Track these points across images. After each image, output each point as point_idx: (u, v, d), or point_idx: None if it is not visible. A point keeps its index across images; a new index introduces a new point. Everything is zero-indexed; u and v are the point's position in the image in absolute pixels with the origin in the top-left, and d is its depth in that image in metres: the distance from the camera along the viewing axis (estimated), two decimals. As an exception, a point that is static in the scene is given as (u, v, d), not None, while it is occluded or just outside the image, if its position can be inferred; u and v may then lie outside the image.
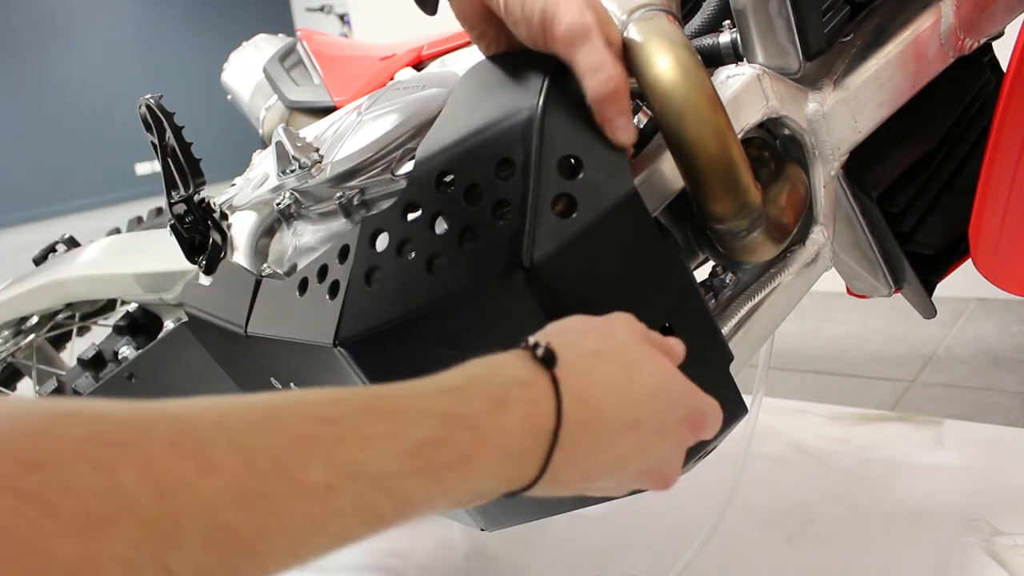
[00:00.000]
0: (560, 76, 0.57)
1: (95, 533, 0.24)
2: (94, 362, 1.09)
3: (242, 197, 0.87)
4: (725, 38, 0.66)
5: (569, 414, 0.39)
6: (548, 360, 0.40)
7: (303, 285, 0.64)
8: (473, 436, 0.35)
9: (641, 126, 0.64)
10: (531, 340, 0.41)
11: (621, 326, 0.46)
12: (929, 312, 0.85)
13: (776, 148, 0.69)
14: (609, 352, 0.43)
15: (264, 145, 1.08)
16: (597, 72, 0.54)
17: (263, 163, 0.90)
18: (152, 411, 0.29)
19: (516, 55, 0.61)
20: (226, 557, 0.27)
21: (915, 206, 0.77)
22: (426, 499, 0.34)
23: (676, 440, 0.45)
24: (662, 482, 0.46)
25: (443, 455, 0.34)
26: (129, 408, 0.28)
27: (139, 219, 1.48)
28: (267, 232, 0.85)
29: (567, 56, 0.55)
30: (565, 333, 0.44)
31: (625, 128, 0.55)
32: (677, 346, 0.50)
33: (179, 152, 0.80)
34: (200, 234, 0.82)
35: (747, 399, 0.65)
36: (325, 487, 0.30)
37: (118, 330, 1.11)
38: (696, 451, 0.62)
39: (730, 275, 0.70)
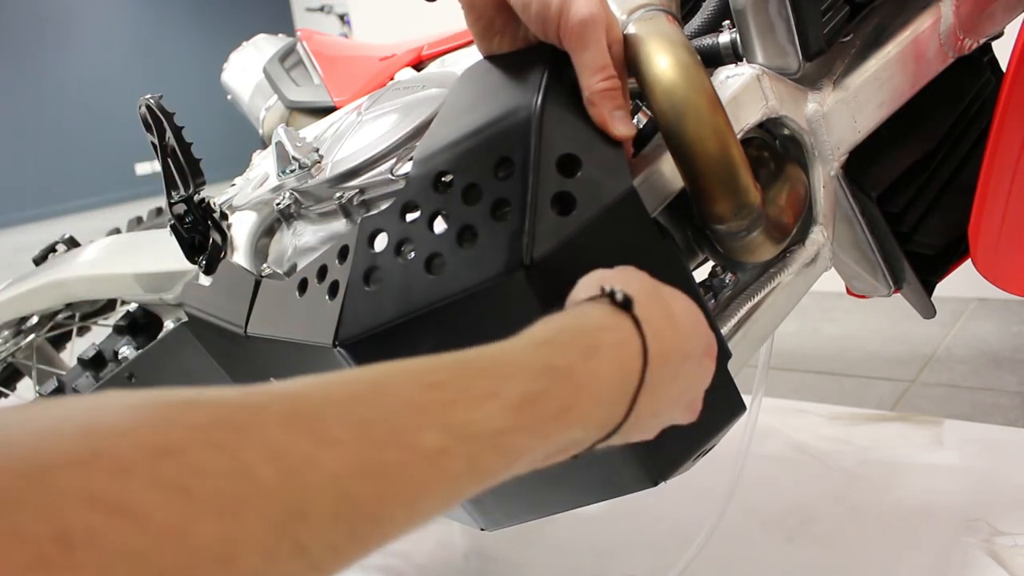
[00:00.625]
0: (557, 75, 0.57)
1: (231, 514, 0.25)
2: (94, 362, 1.09)
3: (242, 197, 0.87)
4: (725, 38, 0.66)
5: (652, 349, 0.41)
6: (627, 304, 0.41)
7: (303, 285, 0.64)
8: (571, 385, 0.36)
9: (641, 126, 0.64)
10: (606, 286, 0.42)
11: (639, 272, 0.49)
12: (929, 312, 0.85)
13: (776, 148, 0.69)
14: (648, 293, 0.45)
15: (264, 145, 1.08)
16: (599, 70, 0.55)
17: (263, 163, 0.90)
18: (262, 394, 0.29)
19: (514, 55, 0.61)
20: (353, 528, 0.28)
21: (915, 206, 0.77)
22: (530, 451, 0.35)
23: (705, 370, 0.49)
24: (694, 413, 0.50)
25: (546, 406, 0.35)
26: (240, 392, 0.29)
27: (139, 219, 1.48)
28: (267, 232, 0.85)
29: (574, 48, 0.55)
30: (614, 277, 0.45)
31: (623, 121, 0.56)
32: None
33: (179, 152, 0.80)
34: (200, 234, 0.82)
35: (747, 399, 0.65)
36: (439, 451, 0.31)
37: (118, 330, 1.11)
38: (694, 450, 0.63)
39: (730, 275, 0.70)
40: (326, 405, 0.29)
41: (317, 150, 0.77)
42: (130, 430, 0.25)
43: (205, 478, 0.25)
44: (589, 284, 0.47)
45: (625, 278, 0.46)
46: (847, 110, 0.68)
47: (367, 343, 0.57)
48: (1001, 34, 0.77)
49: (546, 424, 0.35)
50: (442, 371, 0.34)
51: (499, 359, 0.36)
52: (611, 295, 0.42)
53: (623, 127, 0.56)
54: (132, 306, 1.13)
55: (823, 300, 2.00)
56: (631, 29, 0.59)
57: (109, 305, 1.32)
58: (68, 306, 1.29)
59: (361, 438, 0.29)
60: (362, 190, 0.70)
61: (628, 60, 0.58)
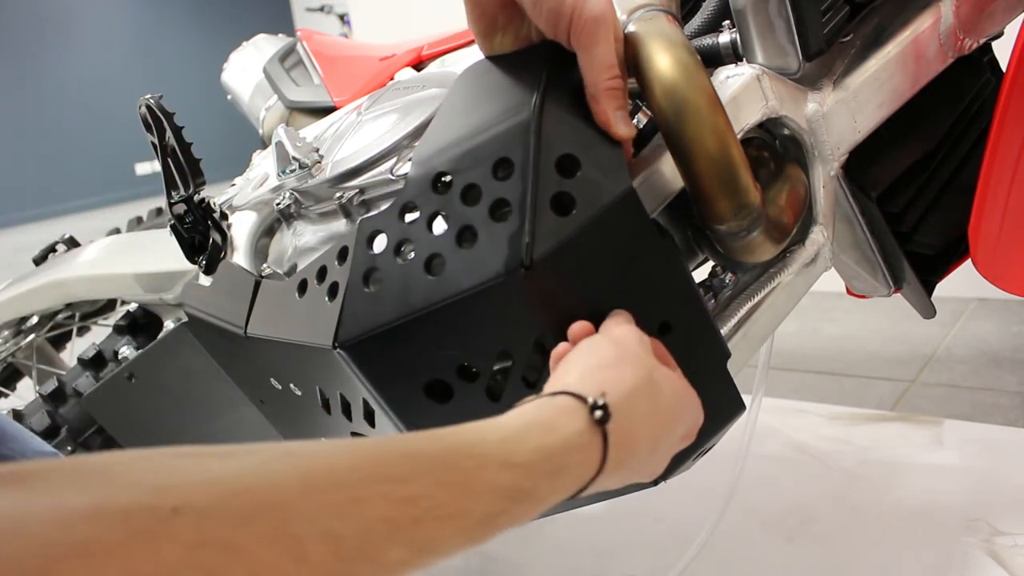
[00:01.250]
0: (557, 76, 0.57)
1: None
2: (94, 362, 1.09)
3: (242, 197, 0.87)
4: (725, 38, 0.66)
5: (610, 461, 0.43)
6: (604, 420, 0.43)
7: (302, 286, 0.64)
8: (532, 503, 0.39)
9: (641, 126, 0.64)
10: (590, 398, 0.43)
11: (639, 349, 0.49)
12: (929, 312, 0.85)
13: (776, 148, 0.69)
14: (643, 383, 0.46)
15: (264, 145, 1.08)
16: (607, 68, 0.55)
17: (263, 163, 0.90)
18: (248, 496, 0.31)
19: (513, 55, 0.61)
20: None
21: (915, 206, 0.77)
22: (473, 548, 0.38)
23: (673, 451, 0.51)
24: (649, 479, 0.51)
25: (501, 523, 0.38)
26: (225, 496, 0.31)
27: (139, 219, 1.47)
28: (267, 232, 0.85)
29: (584, 45, 0.56)
30: (609, 370, 0.46)
31: (625, 121, 0.56)
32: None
33: (179, 152, 0.80)
34: (200, 234, 0.82)
35: (747, 399, 0.65)
36: (400, 562, 0.34)
37: (118, 330, 1.11)
38: (695, 450, 0.62)
39: (730, 275, 0.70)
40: (309, 521, 0.32)
41: (317, 150, 0.77)
42: (124, 551, 0.27)
43: None
44: (589, 358, 0.47)
45: (619, 371, 0.46)
46: (847, 110, 0.68)
47: (367, 344, 0.57)
48: (1001, 34, 0.77)
49: (496, 532, 0.38)
50: (417, 481, 0.36)
51: (473, 474, 0.37)
52: (592, 407, 0.43)
53: (624, 127, 0.56)
54: (132, 306, 1.12)
55: (823, 300, 2.00)
56: (631, 29, 0.59)
57: (109, 305, 1.32)
58: (68, 306, 1.29)
59: (333, 555, 0.32)
60: (362, 190, 0.70)
61: (628, 60, 0.58)
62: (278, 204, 0.79)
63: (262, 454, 0.34)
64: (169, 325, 1.04)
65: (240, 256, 0.81)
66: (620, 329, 0.51)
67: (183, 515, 0.29)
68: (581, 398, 0.43)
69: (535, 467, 0.39)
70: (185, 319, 0.82)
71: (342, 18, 6.08)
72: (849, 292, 0.86)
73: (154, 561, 0.27)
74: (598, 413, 0.43)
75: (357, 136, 0.75)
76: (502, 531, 0.39)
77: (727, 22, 0.67)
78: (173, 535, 0.28)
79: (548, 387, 0.46)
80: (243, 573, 0.29)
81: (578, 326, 0.52)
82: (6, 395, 1.43)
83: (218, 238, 0.82)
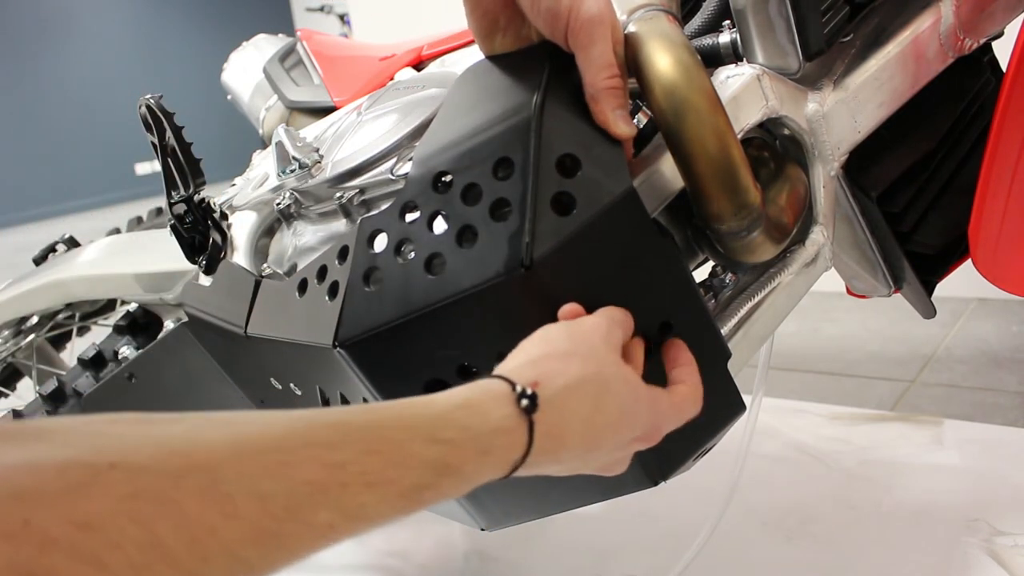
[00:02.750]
0: (557, 75, 0.57)
1: None
2: (94, 362, 1.09)
3: (242, 197, 0.87)
4: (725, 38, 0.66)
5: (536, 448, 0.44)
6: (530, 409, 0.44)
7: (303, 286, 0.64)
8: (457, 480, 0.40)
9: (641, 126, 0.64)
10: (519, 385, 0.44)
11: (600, 344, 0.49)
12: (929, 312, 0.85)
13: (776, 148, 0.69)
14: (587, 381, 0.47)
15: (264, 145, 1.08)
16: (605, 68, 0.55)
17: (263, 163, 0.90)
18: (180, 456, 0.33)
19: (513, 55, 0.61)
20: None
21: (915, 206, 0.77)
22: (401, 519, 0.39)
23: (629, 449, 0.51)
24: (608, 473, 0.52)
25: (428, 495, 0.39)
26: (159, 452, 0.32)
27: (139, 219, 1.48)
28: (267, 232, 0.85)
29: (582, 45, 0.56)
30: (552, 361, 0.47)
31: (624, 120, 0.56)
32: (627, 323, 0.54)
33: (179, 152, 0.80)
34: (200, 234, 0.82)
35: (747, 399, 0.65)
36: (328, 526, 0.35)
37: (118, 330, 1.11)
38: (694, 450, 0.63)
39: (730, 275, 0.70)
40: (237, 480, 0.33)
41: (317, 150, 0.77)
42: (59, 499, 0.29)
43: (121, 551, 0.29)
44: (539, 347, 0.48)
45: (564, 363, 0.47)
46: (847, 110, 0.68)
47: (367, 343, 0.57)
48: (1001, 34, 0.77)
49: (423, 505, 0.39)
50: (346, 448, 0.37)
51: (401, 445, 0.39)
52: (520, 396, 0.44)
53: (624, 126, 0.56)
54: (132, 306, 1.12)
55: (823, 300, 2.00)
56: (632, 29, 0.59)
57: (109, 305, 1.32)
58: (68, 306, 1.29)
59: (262, 512, 0.33)
60: (362, 190, 0.70)
61: (629, 60, 0.58)
62: (278, 204, 0.79)
63: (198, 420, 0.35)
64: (169, 325, 1.04)
65: (240, 256, 0.81)
66: (590, 321, 0.51)
67: (118, 470, 0.30)
68: (512, 384, 0.44)
69: (461, 444, 0.40)
70: (185, 319, 0.82)
71: (342, 18, 6.08)
72: (849, 292, 0.86)
73: (86, 509, 0.29)
74: (524, 402, 0.43)
75: (357, 136, 0.75)
76: (431, 503, 0.40)
77: (727, 22, 0.67)
78: (107, 487, 0.30)
79: (496, 369, 0.47)
80: (171, 523, 0.30)
81: (567, 308, 0.53)
82: (6, 395, 1.43)
83: (218, 238, 0.82)
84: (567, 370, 0.46)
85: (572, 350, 0.48)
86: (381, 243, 0.58)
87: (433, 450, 0.39)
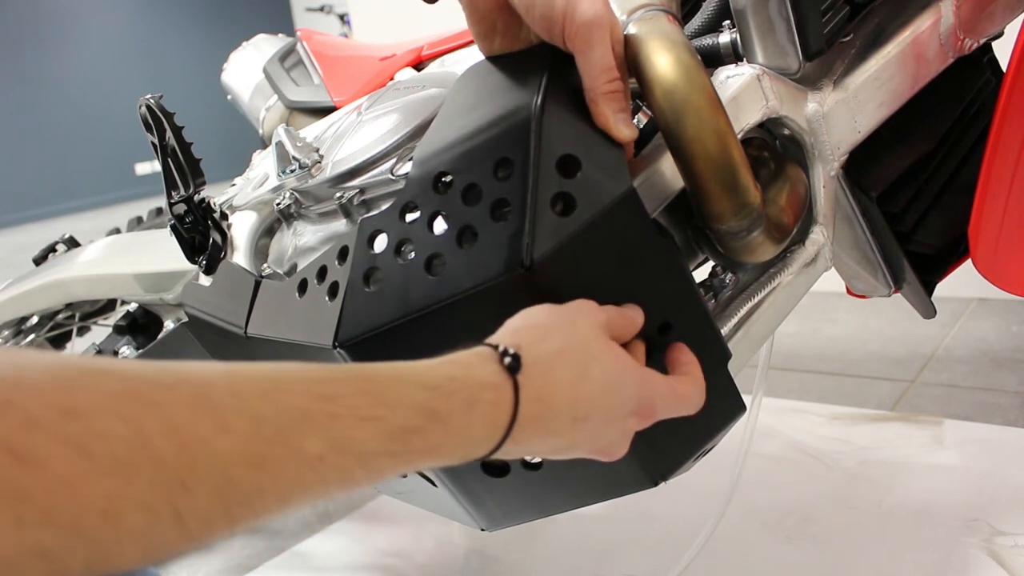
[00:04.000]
0: (557, 76, 0.57)
1: (122, 476, 0.28)
2: (94, 362, 1.09)
3: (242, 197, 0.87)
4: (725, 38, 0.66)
5: (524, 411, 0.44)
6: (514, 367, 0.44)
7: (303, 286, 0.64)
8: (444, 429, 0.40)
9: (641, 126, 0.64)
10: (501, 345, 0.45)
11: (583, 320, 0.50)
12: (929, 312, 0.85)
13: (776, 148, 0.69)
14: (571, 349, 0.47)
15: (264, 145, 1.08)
16: (604, 72, 0.55)
17: (263, 163, 0.90)
18: (173, 374, 0.32)
19: (513, 55, 0.61)
20: (227, 506, 0.32)
21: (915, 206, 0.77)
22: (393, 472, 0.39)
23: (623, 427, 0.50)
24: (608, 457, 0.51)
25: (417, 442, 0.39)
26: (151, 369, 0.32)
27: (139, 219, 1.48)
28: (267, 232, 0.85)
29: (580, 49, 0.55)
30: (534, 330, 0.47)
31: (625, 123, 0.56)
32: (632, 320, 0.54)
33: (179, 152, 0.80)
34: (200, 234, 0.82)
35: (747, 399, 0.65)
36: (317, 457, 0.35)
37: (118, 330, 1.11)
38: (695, 450, 0.63)
39: (730, 275, 0.70)
40: (229, 395, 0.33)
41: (317, 150, 0.77)
42: (44, 389, 0.28)
43: (105, 441, 0.28)
44: (521, 320, 0.49)
45: (545, 332, 0.47)
46: (847, 110, 0.68)
47: (367, 344, 0.57)
48: (1001, 34, 0.77)
49: (413, 455, 0.39)
50: (338, 384, 0.37)
51: (391, 387, 0.39)
52: (503, 354, 0.44)
53: (625, 129, 0.56)
54: (132, 306, 1.12)
55: (823, 300, 2.00)
56: (631, 29, 0.59)
57: (109, 305, 1.32)
58: (68, 306, 1.29)
59: (253, 431, 0.33)
60: (362, 190, 0.70)
61: (629, 60, 0.58)
62: (278, 204, 0.79)
63: (191, 361, 0.35)
64: (169, 325, 1.04)
65: (240, 256, 0.81)
66: (576, 303, 0.51)
67: (108, 375, 0.30)
68: (494, 346, 0.45)
69: (448, 393, 0.41)
70: (185, 319, 0.82)
71: (342, 18, 6.08)
72: (849, 292, 0.86)
73: (72, 399, 0.28)
74: (507, 359, 0.44)
75: (357, 136, 0.75)
76: (424, 454, 0.39)
77: (727, 22, 0.67)
78: (95, 384, 0.29)
79: None
80: (160, 426, 0.30)
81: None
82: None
83: (218, 238, 0.82)
84: (549, 338, 0.47)
85: (555, 323, 0.48)
86: (381, 243, 0.58)
87: (421, 395, 0.40)
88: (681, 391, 0.53)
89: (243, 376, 0.35)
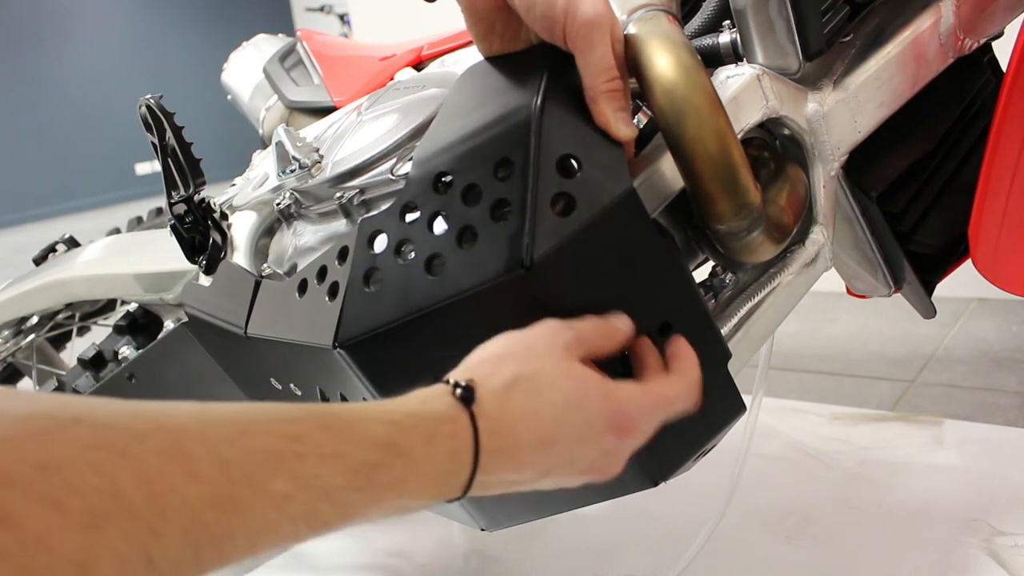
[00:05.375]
0: (557, 76, 0.57)
1: (95, 528, 0.29)
2: (94, 362, 1.09)
3: (242, 197, 0.87)
4: (725, 38, 0.66)
5: (486, 443, 0.44)
6: (466, 398, 0.45)
7: (303, 286, 0.64)
8: (407, 463, 0.41)
9: (641, 126, 0.64)
10: (453, 379, 0.46)
11: (542, 343, 0.49)
12: (929, 312, 0.85)
13: (776, 148, 0.69)
14: (527, 377, 0.47)
15: (264, 145, 1.08)
16: (604, 71, 0.55)
17: (263, 163, 0.90)
18: (146, 420, 0.33)
19: (514, 56, 0.61)
20: (197, 549, 0.33)
21: (915, 206, 0.77)
22: (363, 509, 0.40)
23: (603, 446, 0.49)
24: (602, 476, 0.51)
25: (382, 476, 0.40)
26: (124, 415, 0.33)
27: (139, 219, 1.48)
28: (267, 232, 0.85)
29: (580, 49, 0.55)
30: (488, 362, 0.48)
31: (625, 123, 0.56)
32: (615, 329, 0.53)
33: (179, 152, 0.80)
34: (200, 234, 0.82)
35: (747, 399, 0.65)
36: (283, 496, 0.36)
37: (118, 330, 1.11)
38: (694, 451, 0.63)
39: (730, 275, 0.70)
40: (199, 442, 0.34)
41: (317, 150, 0.77)
42: (19, 443, 0.29)
43: (79, 495, 0.29)
44: (479, 353, 0.49)
45: (500, 362, 0.48)
46: (847, 110, 0.68)
47: (367, 344, 0.57)
48: (1001, 34, 0.76)
49: (379, 490, 0.40)
50: (302, 423, 0.38)
51: (353, 424, 0.40)
52: (454, 387, 0.45)
53: (626, 128, 0.56)
54: (132, 306, 1.12)
55: (823, 300, 2.00)
56: (631, 29, 0.59)
57: (109, 305, 1.32)
58: (68, 306, 1.29)
59: (221, 475, 0.34)
60: (362, 190, 0.70)
61: (629, 60, 0.58)
62: (278, 204, 0.79)
63: (165, 402, 0.36)
64: (169, 325, 1.04)
65: (240, 256, 0.81)
66: (536, 327, 0.51)
67: (82, 425, 0.31)
68: (446, 380, 0.46)
69: (407, 427, 0.42)
70: (185, 319, 0.82)
71: (342, 18, 6.08)
72: (849, 292, 0.86)
73: (47, 453, 0.29)
74: (459, 391, 0.45)
75: (357, 136, 0.75)
76: (390, 491, 0.40)
77: (727, 22, 0.67)
78: (70, 437, 0.30)
79: None
80: (133, 476, 0.31)
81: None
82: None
83: (218, 238, 0.82)
84: (502, 369, 0.47)
85: (508, 352, 0.49)
86: (381, 243, 0.58)
87: (382, 430, 0.41)
88: (665, 394, 0.52)
89: (214, 419, 0.36)
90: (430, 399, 0.44)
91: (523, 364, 0.47)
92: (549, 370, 0.48)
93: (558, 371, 0.48)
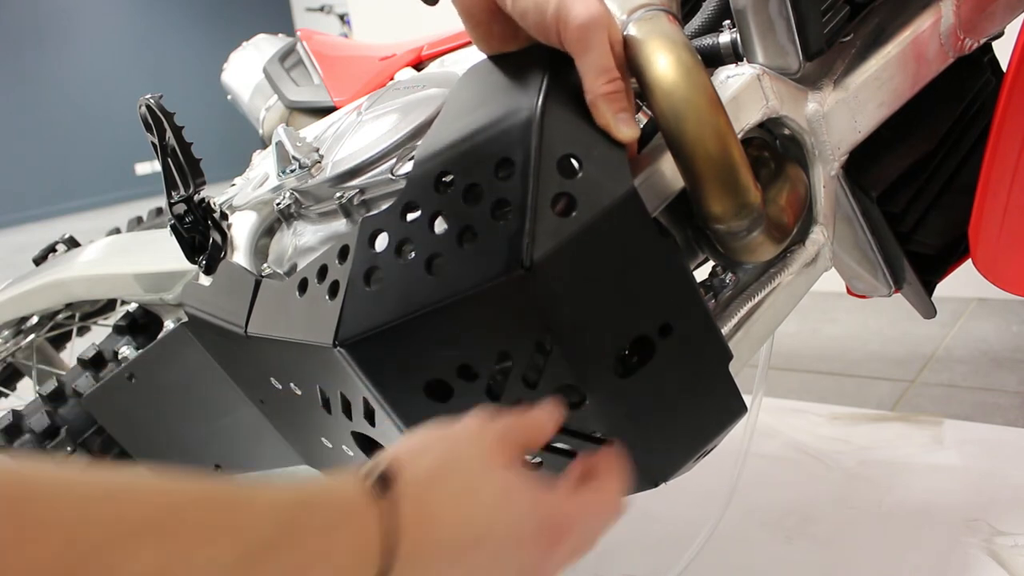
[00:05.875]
0: (558, 75, 0.57)
1: None
2: (94, 362, 1.09)
3: (242, 197, 0.87)
4: (725, 38, 0.66)
5: (404, 540, 0.39)
6: (381, 489, 0.40)
7: (303, 285, 0.64)
8: (301, 553, 0.36)
9: (641, 126, 0.64)
10: (369, 466, 0.42)
11: (467, 440, 0.46)
12: (929, 312, 0.85)
13: (776, 148, 0.69)
14: (452, 471, 0.44)
15: (264, 145, 1.08)
16: (603, 73, 0.54)
17: (263, 163, 0.90)
18: (20, 487, 0.29)
19: (515, 55, 0.61)
20: None
21: (915, 206, 0.77)
22: None
23: (532, 551, 0.45)
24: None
25: (272, 563, 0.35)
26: None
27: (139, 219, 1.48)
28: (267, 232, 0.85)
29: (577, 52, 0.55)
30: (407, 455, 0.44)
31: (627, 124, 0.55)
32: (541, 424, 0.51)
33: (179, 152, 0.80)
34: (200, 234, 0.82)
35: (747, 399, 0.65)
36: (157, 571, 0.31)
37: (118, 330, 1.11)
38: (695, 452, 0.63)
39: (730, 275, 0.70)
40: (47, 503, 0.29)
41: (317, 150, 0.77)
42: None
43: None
44: (398, 446, 0.45)
45: (421, 455, 0.44)
46: (847, 110, 0.68)
47: (367, 343, 0.57)
48: (1001, 34, 0.76)
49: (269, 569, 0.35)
50: (189, 493, 0.34)
51: (252, 500, 0.36)
52: (367, 475, 0.41)
53: (627, 130, 0.55)
54: (132, 306, 1.12)
55: (823, 300, 2.00)
56: (631, 29, 0.59)
57: (109, 305, 1.32)
58: (68, 306, 1.29)
59: (66, 545, 0.29)
60: (362, 190, 0.70)
61: (628, 60, 0.58)
62: (278, 204, 0.79)
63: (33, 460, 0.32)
64: (169, 325, 1.04)
65: (240, 256, 0.81)
66: (458, 424, 0.48)
67: None
68: (361, 471, 0.42)
69: (308, 513, 0.37)
70: (185, 319, 0.82)
71: (342, 18, 6.08)
72: (849, 292, 0.86)
73: None
74: (373, 480, 0.41)
75: (357, 136, 0.75)
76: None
77: (727, 22, 0.67)
78: None
79: None
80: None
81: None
82: (6, 395, 1.43)
83: (218, 238, 0.82)
84: (424, 461, 0.44)
85: (431, 445, 0.46)
86: (382, 243, 0.58)
87: (278, 513, 0.36)
88: (592, 503, 0.49)
89: (77, 480, 0.31)
90: (338, 487, 0.40)
91: (448, 458, 0.44)
92: (475, 466, 0.45)
93: (484, 468, 0.45)
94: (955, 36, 0.71)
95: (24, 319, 1.32)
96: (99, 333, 1.22)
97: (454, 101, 0.62)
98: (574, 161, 0.54)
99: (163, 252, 0.97)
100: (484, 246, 0.53)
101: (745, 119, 0.63)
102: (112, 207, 7.95)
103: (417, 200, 0.57)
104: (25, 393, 1.37)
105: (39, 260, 1.30)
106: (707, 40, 0.67)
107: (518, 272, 0.51)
